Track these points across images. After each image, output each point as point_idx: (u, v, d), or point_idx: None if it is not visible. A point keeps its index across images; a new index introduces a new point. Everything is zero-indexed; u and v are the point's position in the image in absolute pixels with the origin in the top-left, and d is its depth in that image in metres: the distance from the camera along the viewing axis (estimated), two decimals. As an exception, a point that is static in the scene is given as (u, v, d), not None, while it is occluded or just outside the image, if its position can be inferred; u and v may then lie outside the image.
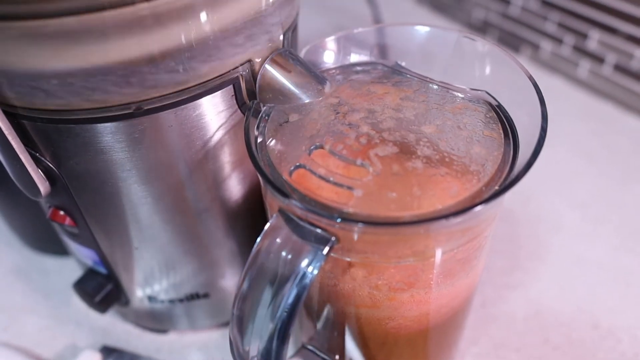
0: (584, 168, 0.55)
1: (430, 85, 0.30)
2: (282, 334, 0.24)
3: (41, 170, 0.30)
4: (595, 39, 0.61)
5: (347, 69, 0.32)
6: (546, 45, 0.67)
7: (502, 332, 0.42)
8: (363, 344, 0.33)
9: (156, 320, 0.41)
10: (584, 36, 0.62)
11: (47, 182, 0.30)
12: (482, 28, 0.74)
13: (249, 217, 0.35)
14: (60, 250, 0.48)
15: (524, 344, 0.41)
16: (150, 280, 0.37)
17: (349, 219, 0.23)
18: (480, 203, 0.23)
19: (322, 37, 0.32)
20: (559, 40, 0.65)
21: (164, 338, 0.43)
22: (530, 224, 0.50)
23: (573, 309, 0.43)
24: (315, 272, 0.24)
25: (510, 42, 0.71)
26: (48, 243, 0.49)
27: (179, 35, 0.25)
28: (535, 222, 0.50)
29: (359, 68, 0.32)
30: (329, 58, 0.33)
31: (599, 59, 0.62)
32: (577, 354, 0.40)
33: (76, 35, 0.23)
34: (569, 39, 0.64)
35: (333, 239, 0.24)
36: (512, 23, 0.70)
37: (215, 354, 0.42)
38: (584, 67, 0.64)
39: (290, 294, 0.24)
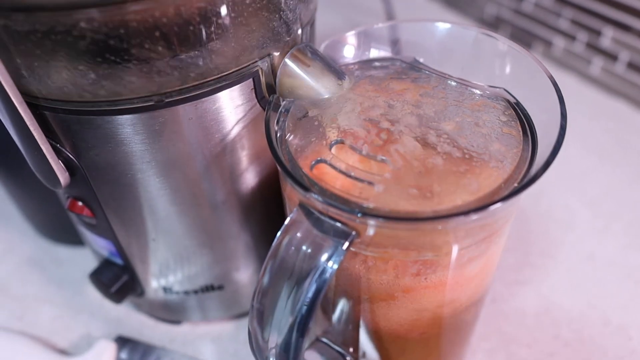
0: (595, 165, 0.55)
1: (449, 81, 0.30)
2: (301, 327, 0.25)
3: (61, 161, 0.30)
4: (608, 37, 0.61)
5: (365, 65, 0.32)
6: (559, 42, 0.67)
7: (513, 328, 0.42)
8: (377, 338, 0.33)
9: (170, 311, 0.42)
10: (597, 33, 0.62)
11: (67, 173, 0.30)
12: (494, 24, 0.74)
13: (264, 211, 0.36)
14: (74, 240, 0.49)
15: (534, 340, 0.41)
16: (166, 272, 0.37)
17: (370, 213, 0.24)
18: (500, 200, 0.23)
19: (335, 33, 0.32)
20: (572, 37, 0.65)
21: (177, 329, 0.43)
22: (541, 221, 0.50)
23: (584, 305, 0.43)
24: (336, 266, 0.24)
25: (523, 38, 0.71)
26: (62, 233, 0.49)
27: (200, 28, 0.25)
28: (546, 219, 0.50)
29: (377, 64, 0.32)
30: (347, 53, 0.33)
31: (612, 57, 0.61)
32: (587, 351, 0.40)
33: (98, 27, 0.23)
34: (582, 36, 0.63)
35: (353, 233, 0.24)
36: (525, 19, 0.69)
37: (228, 346, 0.42)
38: (597, 64, 0.63)
39: (310, 288, 0.24)
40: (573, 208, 0.51)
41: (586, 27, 0.62)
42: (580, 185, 0.53)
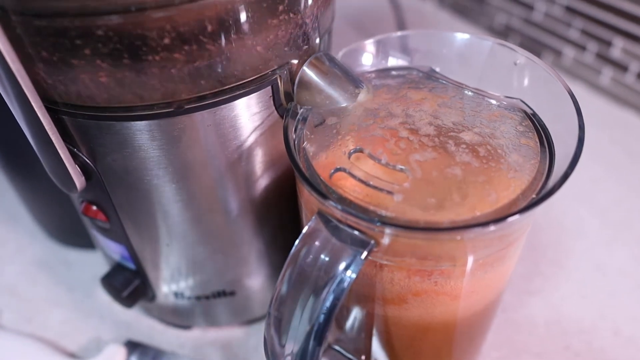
0: (605, 175, 0.55)
1: (466, 92, 0.31)
2: (319, 336, 0.25)
3: (78, 166, 0.30)
4: (619, 47, 0.61)
5: (382, 74, 0.32)
6: (569, 52, 0.67)
7: (523, 338, 0.42)
8: (389, 345, 0.33)
9: (180, 316, 0.42)
10: (607, 44, 0.62)
11: (83, 177, 0.30)
12: (504, 33, 0.74)
13: (278, 218, 0.36)
14: (84, 243, 0.49)
15: (544, 350, 0.41)
16: (178, 277, 0.37)
17: (389, 222, 0.24)
18: (519, 212, 0.23)
19: (346, 41, 0.33)
20: (582, 47, 0.65)
21: (187, 334, 0.43)
22: (551, 231, 0.50)
23: (594, 316, 0.43)
24: (354, 276, 0.24)
25: (532, 47, 0.71)
26: (72, 236, 0.49)
27: (220, 36, 0.25)
28: (556, 229, 0.50)
29: (394, 73, 0.32)
30: (365, 62, 0.33)
31: (622, 67, 0.61)
32: (598, 362, 0.40)
33: (119, 34, 0.23)
34: (592, 46, 0.63)
35: (372, 242, 0.24)
36: (535, 29, 0.69)
37: (237, 352, 0.42)
38: (607, 74, 0.63)
39: (328, 297, 0.24)
40: (583, 217, 0.51)
41: (596, 37, 0.63)
42: (589, 194, 0.53)
